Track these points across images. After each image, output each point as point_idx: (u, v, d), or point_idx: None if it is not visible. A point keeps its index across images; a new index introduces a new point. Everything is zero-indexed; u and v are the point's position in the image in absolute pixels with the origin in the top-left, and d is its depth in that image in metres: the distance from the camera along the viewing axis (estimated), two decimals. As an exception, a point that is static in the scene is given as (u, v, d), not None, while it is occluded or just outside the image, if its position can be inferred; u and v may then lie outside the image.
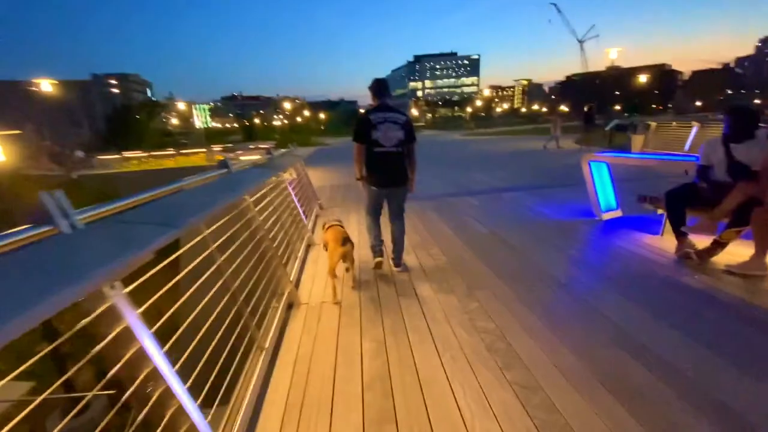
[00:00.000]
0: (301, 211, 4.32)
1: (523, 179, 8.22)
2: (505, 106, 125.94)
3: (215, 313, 1.83)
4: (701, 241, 3.26)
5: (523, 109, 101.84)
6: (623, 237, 4.00)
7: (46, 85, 18.02)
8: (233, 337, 1.91)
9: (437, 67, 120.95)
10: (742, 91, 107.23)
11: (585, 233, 4.28)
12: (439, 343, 2.20)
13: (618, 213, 4.79)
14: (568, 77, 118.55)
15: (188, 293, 1.63)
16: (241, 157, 8.45)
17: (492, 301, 2.68)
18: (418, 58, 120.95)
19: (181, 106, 45.64)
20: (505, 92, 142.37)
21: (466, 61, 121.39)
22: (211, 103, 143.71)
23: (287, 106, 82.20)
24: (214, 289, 1.94)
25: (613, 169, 4.86)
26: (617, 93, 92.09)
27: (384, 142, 3.01)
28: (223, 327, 1.88)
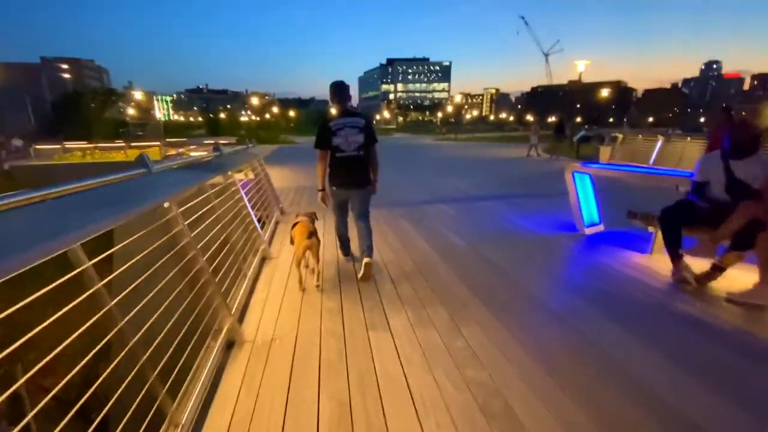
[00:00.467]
0: (254, 219, 3.71)
1: (497, 187, 7.98)
2: (475, 113, 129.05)
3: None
4: (698, 264, 2.99)
5: (492, 117, 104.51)
6: (611, 255, 3.71)
7: None
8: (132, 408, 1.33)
9: (409, 71, 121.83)
10: (689, 109, 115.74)
11: (570, 250, 3.97)
12: (419, 403, 1.71)
13: (600, 228, 4.54)
14: (533, 88, 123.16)
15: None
16: (193, 153, 7.66)
17: (480, 339, 2.23)
18: (391, 62, 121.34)
19: (138, 95, 42.55)
20: (474, 99, 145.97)
21: (437, 67, 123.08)
22: (174, 95, 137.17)
23: (255, 101, 79.65)
24: (109, 336, 1.37)
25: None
26: (578, 106, 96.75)
27: (345, 147, 3.07)
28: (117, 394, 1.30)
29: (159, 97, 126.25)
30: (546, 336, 2.29)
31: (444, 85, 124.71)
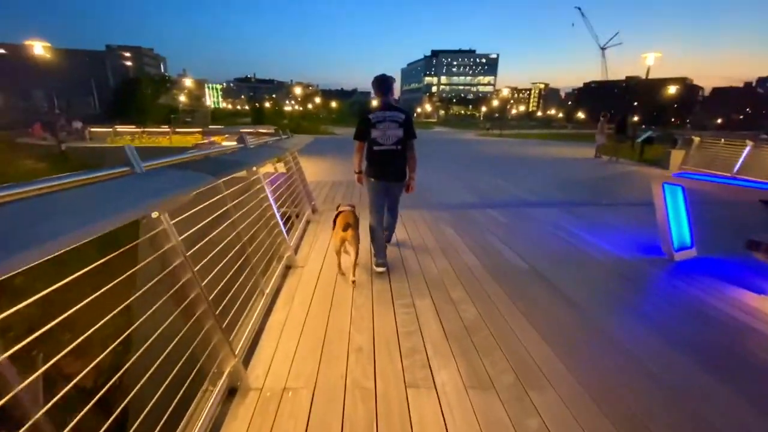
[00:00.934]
0: (280, 221, 3.26)
1: (555, 192, 7.12)
2: (521, 108, 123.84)
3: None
4: None
5: (539, 113, 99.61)
6: (712, 291, 2.94)
7: (39, 49, 16.82)
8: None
9: (454, 63, 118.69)
10: (765, 111, 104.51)
11: (657, 280, 3.21)
12: None
13: (692, 252, 3.70)
14: (586, 84, 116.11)
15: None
16: (225, 142, 7.44)
17: (561, 415, 1.62)
18: (436, 53, 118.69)
19: (188, 83, 44.20)
20: (520, 94, 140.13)
21: (483, 60, 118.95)
22: (224, 84, 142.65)
23: (298, 91, 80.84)
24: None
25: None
26: (635, 104, 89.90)
27: (383, 141, 3.07)
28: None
29: (210, 85, 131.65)
30: (644, 405, 1.65)
31: (490, 78, 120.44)
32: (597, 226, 4.76)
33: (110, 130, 15.75)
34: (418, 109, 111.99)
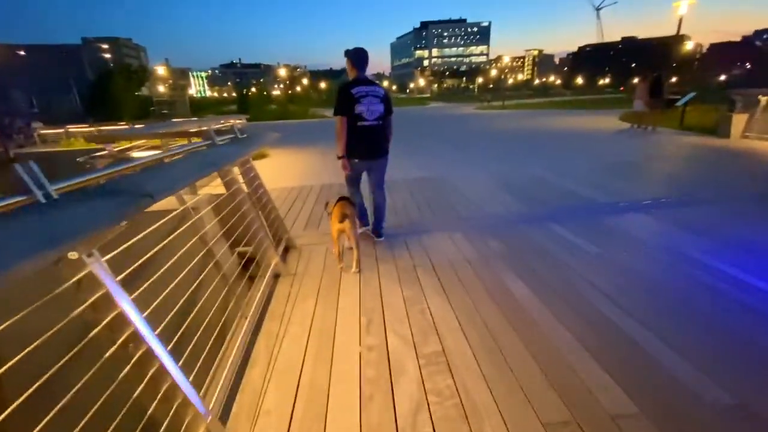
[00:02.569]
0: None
1: (617, 182, 5.40)
2: (519, 77, 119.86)
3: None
4: None
5: (536, 81, 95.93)
6: None
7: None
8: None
9: (445, 34, 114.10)
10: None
11: None
12: None
13: None
14: (580, 48, 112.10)
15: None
16: (143, 152, 5.65)
17: None
18: (425, 25, 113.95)
19: (161, 71, 41.25)
20: (515, 63, 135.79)
21: (475, 29, 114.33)
22: (210, 71, 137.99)
23: (283, 73, 77.65)
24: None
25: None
26: (633, 65, 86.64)
27: (367, 116, 3.02)
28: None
29: (194, 74, 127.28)
30: None
31: (482, 48, 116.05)
32: (731, 245, 3.14)
33: (62, 131, 13.90)
34: (411, 85, 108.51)
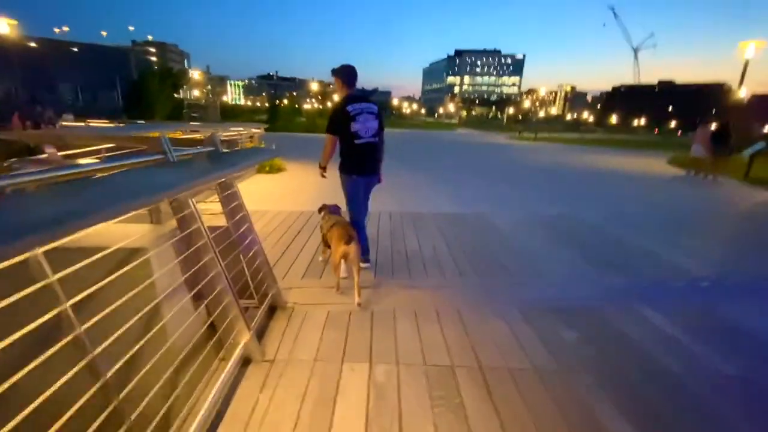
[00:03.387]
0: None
1: (724, 250, 4.30)
2: (551, 111, 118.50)
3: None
4: None
5: (569, 116, 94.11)
6: None
7: None
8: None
9: (478, 63, 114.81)
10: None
11: None
12: None
13: None
14: (615, 88, 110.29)
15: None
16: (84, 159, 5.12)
17: None
18: (459, 53, 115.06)
19: (196, 75, 42.35)
20: (547, 96, 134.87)
21: (509, 60, 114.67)
22: (246, 81, 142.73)
23: (315, 87, 79.24)
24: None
25: None
26: (669, 109, 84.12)
27: (363, 134, 2.98)
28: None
29: (232, 82, 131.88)
30: None
31: (515, 79, 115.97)
32: None
33: (81, 124, 13.87)
34: (441, 110, 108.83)
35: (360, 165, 3.06)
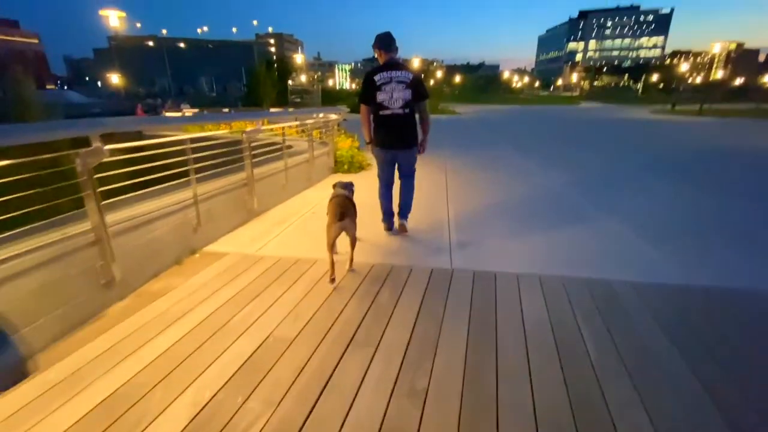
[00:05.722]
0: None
1: None
2: (716, 75, 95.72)
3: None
4: None
5: (736, 82, 73.50)
6: None
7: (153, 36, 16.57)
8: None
9: (608, 24, 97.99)
10: None
11: None
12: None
13: None
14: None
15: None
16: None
17: None
18: (585, 14, 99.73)
19: (299, 60, 43.59)
20: (699, 58, 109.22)
21: (650, 17, 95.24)
22: (353, 64, 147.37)
23: (416, 64, 77.17)
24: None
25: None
26: None
27: (389, 104, 2.87)
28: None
29: (340, 66, 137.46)
30: None
31: (657, 39, 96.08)
32: None
33: (178, 114, 14.74)
34: (559, 81, 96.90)
35: (384, 137, 2.98)
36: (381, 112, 2.88)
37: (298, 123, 5.35)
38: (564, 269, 2.60)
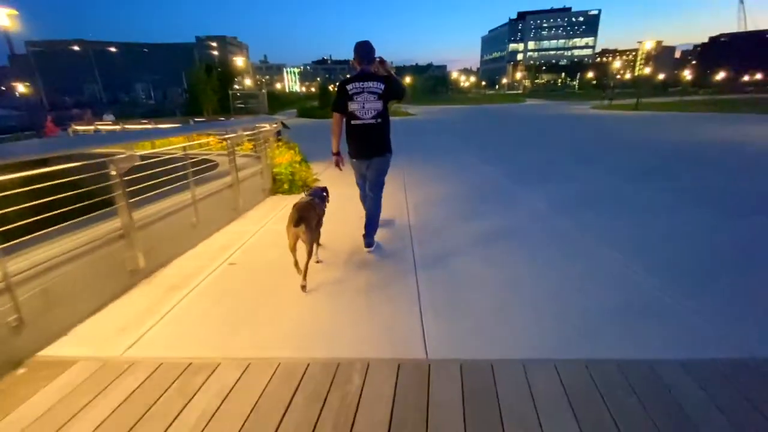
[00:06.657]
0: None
1: None
2: (634, 72, 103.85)
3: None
4: None
5: (660, 76, 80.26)
6: None
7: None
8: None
9: (544, 25, 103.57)
10: None
11: None
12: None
13: None
14: (712, 38, 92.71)
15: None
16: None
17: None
18: (522, 15, 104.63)
19: (240, 63, 40.67)
20: (624, 57, 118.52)
21: (581, 18, 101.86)
22: (302, 67, 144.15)
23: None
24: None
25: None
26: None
27: (360, 114, 2.88)
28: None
29: (288, 69, 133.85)
30: None
31: (588, 39, 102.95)
32: None
33: (91, 127, 13.14)
34: (504, 80, 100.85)
35: (357, 147, 2.98)
36: (353, 122, 2.90)
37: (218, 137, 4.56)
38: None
